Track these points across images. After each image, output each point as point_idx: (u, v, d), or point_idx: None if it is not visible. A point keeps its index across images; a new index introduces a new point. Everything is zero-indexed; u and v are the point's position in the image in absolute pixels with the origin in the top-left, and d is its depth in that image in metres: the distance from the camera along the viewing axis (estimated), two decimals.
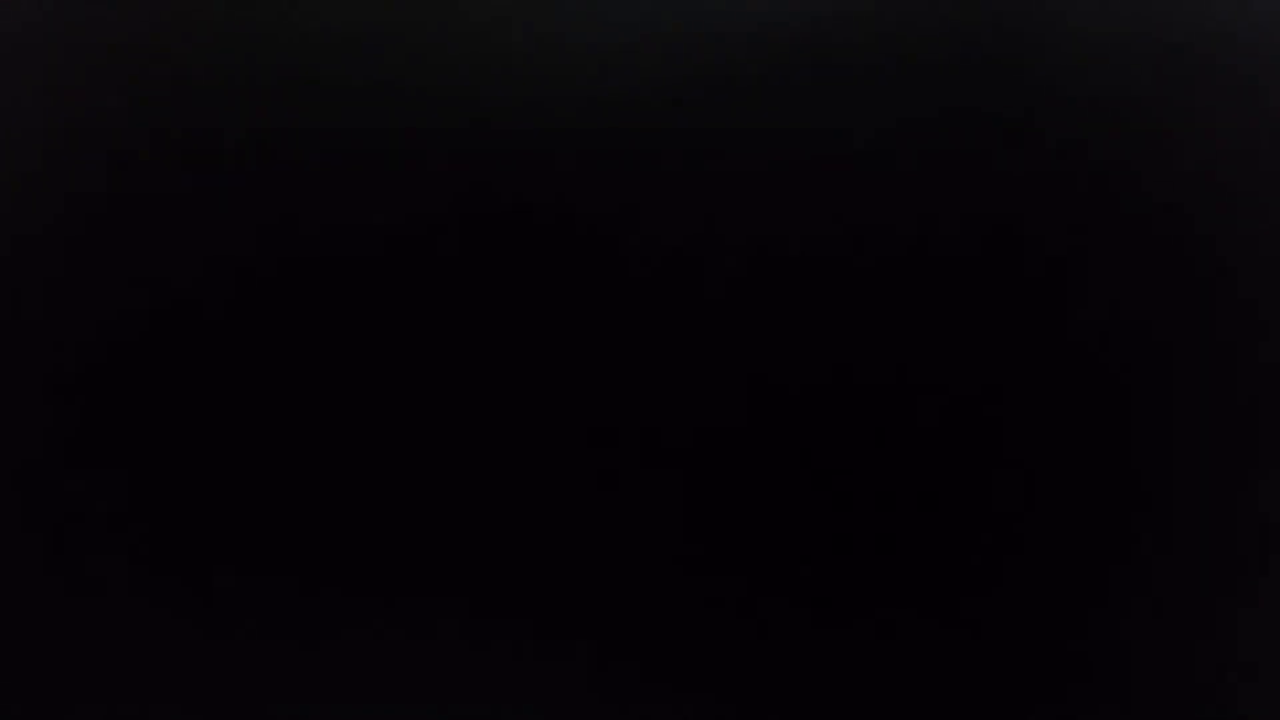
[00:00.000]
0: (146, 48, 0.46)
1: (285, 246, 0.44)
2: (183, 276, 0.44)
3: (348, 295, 0.44)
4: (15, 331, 0.44)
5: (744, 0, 0.45)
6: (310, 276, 0.44)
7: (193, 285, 0.44)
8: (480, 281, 0.44)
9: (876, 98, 0.45)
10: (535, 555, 0.43)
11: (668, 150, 0.44)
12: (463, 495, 0.43)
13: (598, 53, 0.45)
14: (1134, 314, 0.44)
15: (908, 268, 0.44)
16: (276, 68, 0.45)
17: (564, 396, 0.44)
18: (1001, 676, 0.43)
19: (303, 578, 0.43)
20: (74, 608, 0.44)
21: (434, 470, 0.44)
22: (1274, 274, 0.45)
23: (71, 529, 0.44)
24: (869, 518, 0.43)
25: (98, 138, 0.45)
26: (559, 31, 0.45)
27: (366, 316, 0.44)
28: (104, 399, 0.44)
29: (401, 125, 0.45)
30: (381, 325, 0.44)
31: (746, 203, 0.44)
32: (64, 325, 0.44)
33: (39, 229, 0.45)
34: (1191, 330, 0.44)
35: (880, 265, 0.44)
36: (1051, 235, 0.44)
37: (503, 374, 0.44)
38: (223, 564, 0.43)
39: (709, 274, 0.44)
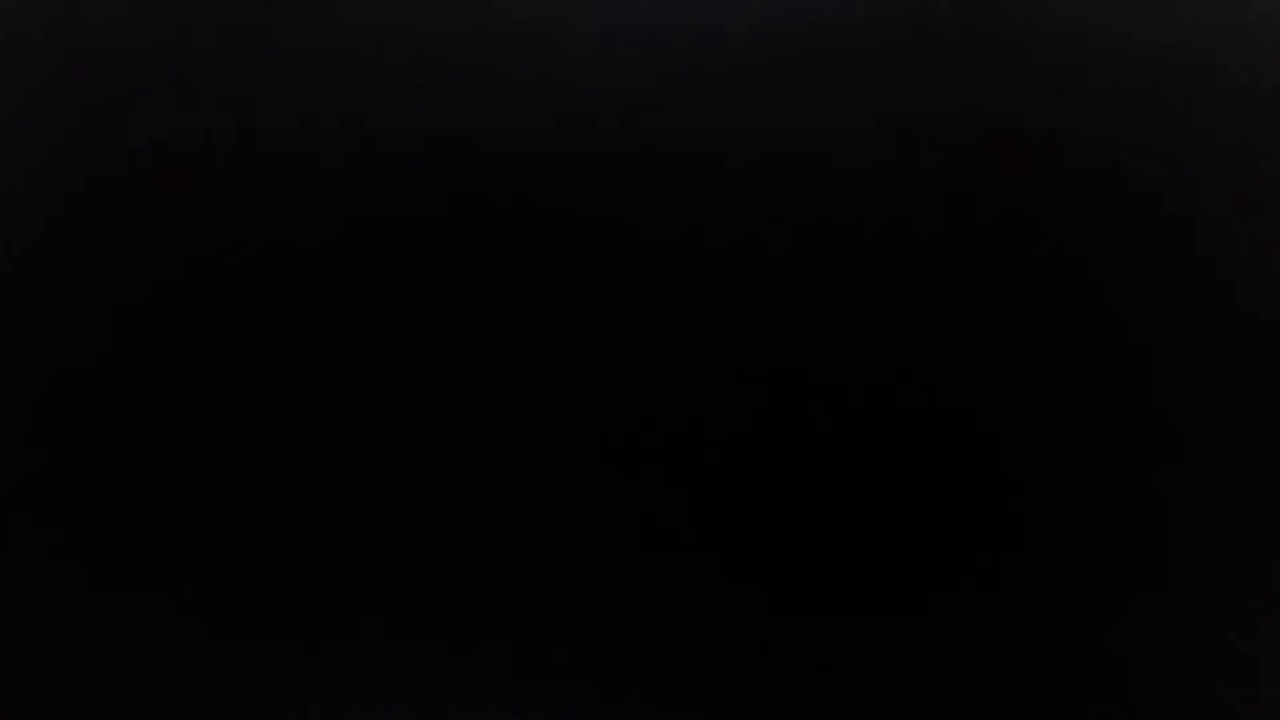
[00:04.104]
0: (146, 47, 0.46)
1: (283, 245, 0.44)
2: (181, 276, 0.44)
3: (343, 294, 0.44)
4: (15, 331, 0.44)
5: (744, 0, 0.45)
6: (307, 276, 0.44)
7: (190, 285, 0.44)
8: (476, 280, 0.44)
9: (875, 98, 0.45)
10: (531, 554, 0.43)
11: (666, 149, 0.44)
12: (460, 493, 0.43)
13: (597, 53, 0.45)
14: (1134, 313, 0.44)
15: (906, 267, 0.44)
16: (275, 68, 0.45)
17: (561, 395, 0.44)
18: (1002, 678, 0.43)
19: (299, 576, 0.43)
20: (69, 606, 0.43)
21: (431, 469, 0.43)
22: (1274, 274, 0.45)
23: (68, 528, 0.44)
24: (868, 517, 0.43)
25: (94, 139, 0.45)
26: (558, 32, 0.45)
27: (362, 316, 0.44)
28: (103, 398, 0.44)
29: (400, 125, 0.45)
30: (378, 325, 0.44)
31: (744, 202, 0.44)
32: (64, 324, 0.44)
33: (38, 229, 0.45)
34: (1191, 329, 0.44)
35: (880, 264, 0.44)
36: (1051, 235, 0.44)
37: (499, 373, 0.44)
38: (217, 563, 0.43)
39: (707, 272, 0.44)
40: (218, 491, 0.43)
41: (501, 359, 0.44)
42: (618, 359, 0.44)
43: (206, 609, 0.43)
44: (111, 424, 0.44)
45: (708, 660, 0.43)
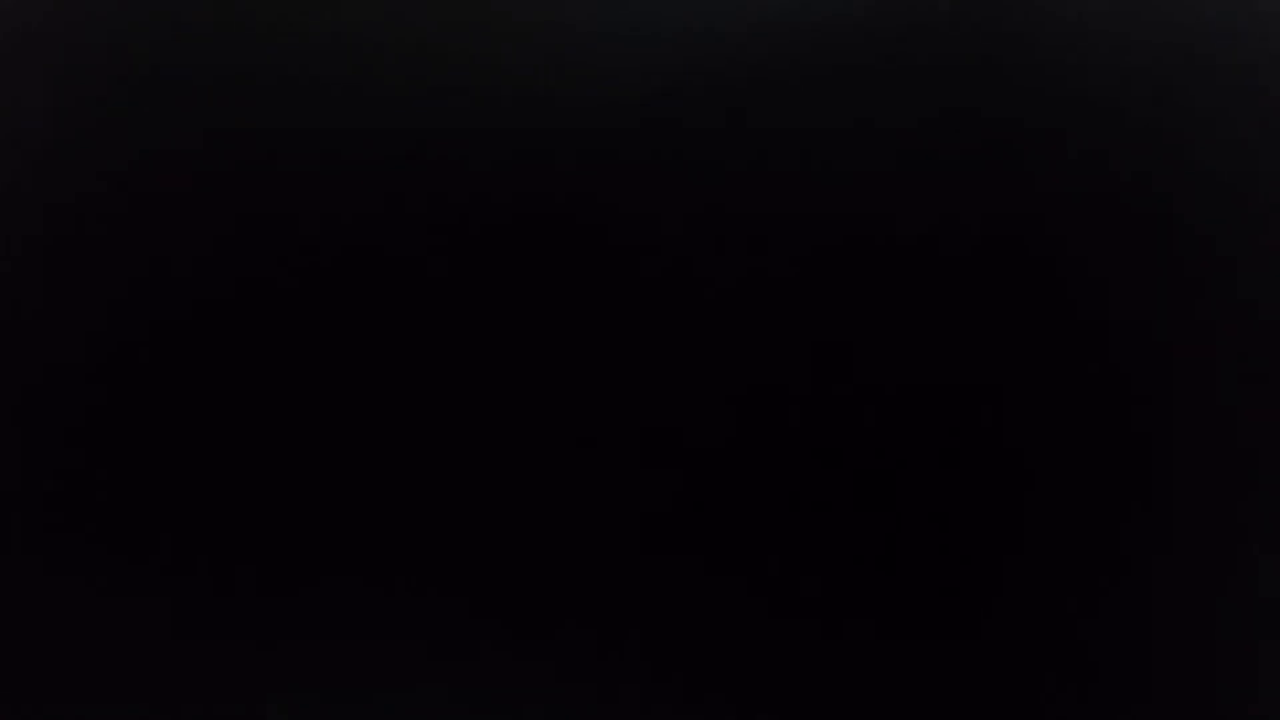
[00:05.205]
0: (146, 47, 0.46)
1: (284, 246, 0.44)
2: (180, 276, 0.44)
3: (345, 294, 0.44)
4: (14, 330, 0.44)
5: (744, 0, 0.45)
6: (308, 276, 0.44)
7: (189, 285, 0.44)
8: (475, 280, 0.44)
9: (875, 98, 0.45)
10: (531, 553, 0.43)
11: (667, 149, 0.44)
12: (460, 493, 0.43)
13: (597, 52, 0.45)
14: (1134, 314, 0.44)
15: (906, 267, 0.44)
16: (275, 67, 0.45)
17: (562, 395, 0.44)
18: (1002, 677, 0.43)
19: (297, 575, 0.43)
20: (66, 605, 0.43)
21: (431, 469, 0.44)
22: (1274, 273, 0.45)
23: (66, 527, 0.44)
24: (867, 516, 0.43)
25: (95, 138, 0.45)
26: (558, 32, 0.45)
27: (363, 316, 0.44)
28: (102, 397, 0.44)
29: (400, 125, 0.45)
30: (378, 324, 0.44)
31: (745, 202, 0.44)
32: (63, 324, 0.44)
33: (38, 229, 0.45)
34: (1191, 330, 0.44)
35: (879, 264, 0.44)
36: (1050, 236, 0.44)
37: (499, 372, 0.44)
38: (214, 562, 0.43)
39: (707, 272, 0.44)
40: (216, 490, 0.44)
41: (501, 358, 0.44)
42: (617, 358, 0.44)
43: (204, 608, 0.43)
44: (110, 423, 0.44)
45: (707, 660, 0.43)
